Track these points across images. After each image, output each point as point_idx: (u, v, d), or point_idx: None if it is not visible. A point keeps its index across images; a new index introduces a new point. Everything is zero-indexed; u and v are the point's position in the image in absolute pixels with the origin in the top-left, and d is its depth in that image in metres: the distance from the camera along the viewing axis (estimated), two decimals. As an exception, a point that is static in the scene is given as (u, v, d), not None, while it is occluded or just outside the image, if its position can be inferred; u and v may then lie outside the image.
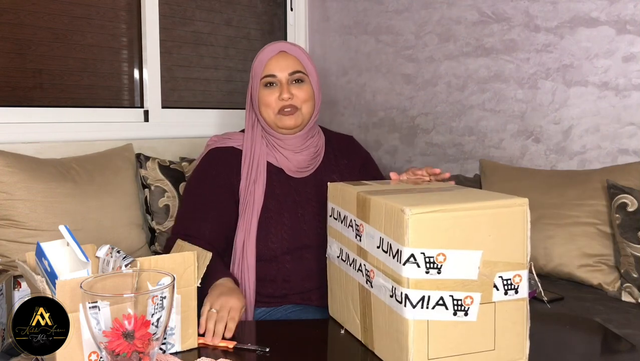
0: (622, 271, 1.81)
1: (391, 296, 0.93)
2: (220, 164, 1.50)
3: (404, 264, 0.89)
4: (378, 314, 0.99)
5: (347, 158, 1.59)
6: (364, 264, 1.03)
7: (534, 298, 1.76)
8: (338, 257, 1.15)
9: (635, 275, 1.76)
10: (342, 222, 1.11)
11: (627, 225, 1.78)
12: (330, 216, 1.18)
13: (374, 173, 1.62)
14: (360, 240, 1.04)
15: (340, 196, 1.13)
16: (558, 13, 2.17)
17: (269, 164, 1.49)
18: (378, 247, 0.97)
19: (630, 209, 1.78)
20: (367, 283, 1.02)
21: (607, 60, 2.08)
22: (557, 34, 2.18)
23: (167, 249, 1.39)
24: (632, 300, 1.76)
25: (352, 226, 1.07)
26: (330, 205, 1.19)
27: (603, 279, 1.84)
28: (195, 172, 1.54)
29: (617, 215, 1.80)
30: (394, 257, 0.92)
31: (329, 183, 1.21)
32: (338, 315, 1.20)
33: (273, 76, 1.45)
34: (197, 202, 1.46)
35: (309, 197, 1.48)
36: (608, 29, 2.07)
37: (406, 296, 0.89)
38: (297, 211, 1.46)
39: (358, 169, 1.59)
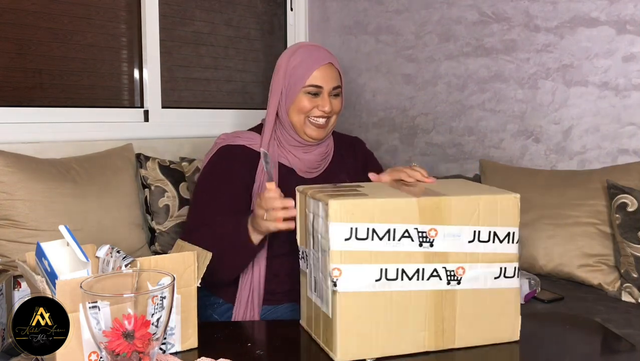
0: (622, 271, 1.81)
1: (497, 278, 1.07)
2: (232, 160, 1.49)
3: (512, 242, 1.07)
4: (468, 305, 1.07)
5: (353, 158, 1.62)
6: (444, 267, 1.04)
7: (534, 298, 1.76)
8: (377, 280, 1.02)
9: (635, 275, 1.76)
10: (381, 239, 1.02)
11: (627, 225, 1.78)
12: (348, 239, 1.00)
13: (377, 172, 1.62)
14: (431, 245, 1.04)
15: (372, 211, 1.01)
16: (558, 13, 2.17)
17: (280, 165, 1.50)
18: (471, 241, 1.05)
19: (630, 209, 1.78)
20: (449, 283, 1.05)
21: (607, 60, 2.08)
22: (557, 34, 2.18)
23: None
24: (632, 300, 1.76)
25: (409, 237, 1.03)
26: (347, 226, 1.00)
27: (603, 279, 1.84)
28: (207, 168, 1.52)
29: (617, 215, 1.80)
30: (501, 241, 1.06)
31: (330, 203, 1.06)
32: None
33: (319, 87, 1.46)
34: (211, 196, 1.46)
35: None
36: (608, 29, 2.07)
37: (515, 269, 1.08)
38: None
39: (361, 168, 1.60)
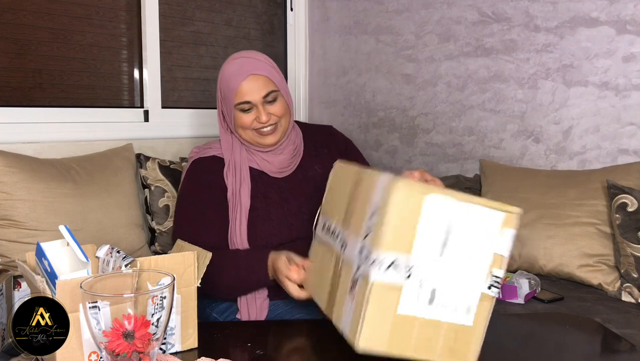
0: (622, 271, 1.81)
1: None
2: (207, 172, 1.50)
3: None
4: None
5: (327, 147, 1.60)
6: None
7: (534, 298, 1.76)
8: None
9: (635, 275, 1.76)
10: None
11: (627, 225, 1.78)
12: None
13: (357, 160, 1.62)
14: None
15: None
16: (558, 13, 2.17)
17: (251, 169, 1.50)
18: None
19: (630, 209, 1.78)
20: None
21: (607, 60, 2.08)
22: (557, 34, 2.18)
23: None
24: (632, 300, 1.76)
25: None
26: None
27: (603, 279, 1.84)
28: (185, 184, 1.53)
29: (617, 215, 1.80)
30: None
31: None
32: None
33: (247, 102, 1.44)
34: (194, 211, 1.46)
35: (294, 192, 1.51)
36: (608, 29, 2.07)
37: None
38: (284, 206, 1.48)
39: (339, 156, 1.57)
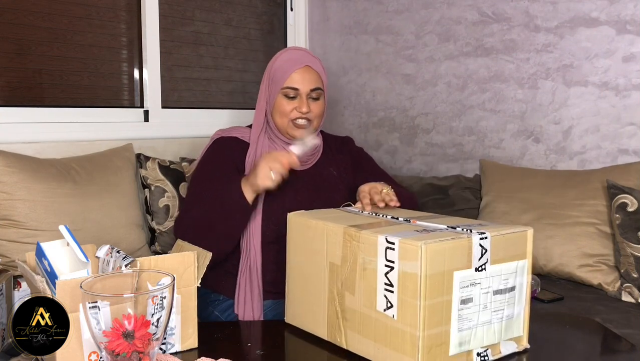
0: (622, 271, 1.81)
1: None
2: (226, 151, 1.57)
3: None
4: None
5: (342, 154, 1.68)
6: None
7: (534, 298, 1.76)
8: None
9: (635, 275, 1.76)
10: None
11: (627, 225, 1.78)
12: None
13: (370, 170, 1.66)
14: None
15: None
16: (558, 13, 2.17)
17: None
18: None
19: (630, 209, 1.78)
20: None
21: (607, 60, 2.08)
22: (557, 34, 2.18)
23: (179, 229, 1.48)
24: (632, 300, 1.76)
25: None
26: None
27: (603, 279, 1.84)
28: (203, 159, 1.60)
29: (617, 215, 1.80)
30: None
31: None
32: None
33: (295, 89, 1.52)
34: (207, 181, 1.52)
35: (308, 185, 1.56)
36: (608, 29, 2.07)
37: None
38: (297, 197, 1.52)
39: (351, 164, 1.67)
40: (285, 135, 1.56)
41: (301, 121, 1.53)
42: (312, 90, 1.52)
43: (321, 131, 1.70)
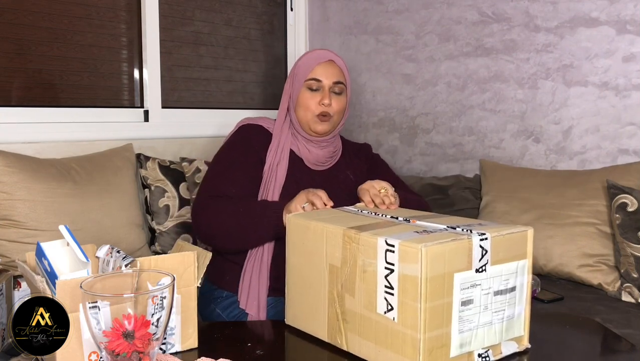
0: (622, 271, 1.81)
1: None
2: (250, 137, 1.59)
3: None
4: None
5: (359, 159, 1.71)
6: None
7: (534, 298, 1.76)
8: None
9: (635, 275, 1.76)
10: None
11: (627, 225, 1.78)
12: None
13: (383, 174, 1.66)
14: None
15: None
16: (558, 13, 2.17)
17: (291, 152, 1.59)
18: None
19: (630, 209, 1.78)
20: None
21: (607, 60, 2.08)
22: (557, 34, 2.18)
23: (196, 210, 1.48)
24: (632, 300, 1.76)
25: None
26: None
27: (603, 279, 1.84)
28: (226, 142, 1.63)
29: (617, 215, 1.80)
30: None
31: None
32: None
33: (319, 80, 1.55)
34: (226, 167, 1.55)
35: (324, 186, 1.55)
36: (608, 29, 2.07)
37: None
38: None
39: (366, 169, 1.70)
40: (308, 131, 1.58)
41: (324, 115, 1.54)
42: (335, 83, 1.55)
43: (340, 136, 1.72)
